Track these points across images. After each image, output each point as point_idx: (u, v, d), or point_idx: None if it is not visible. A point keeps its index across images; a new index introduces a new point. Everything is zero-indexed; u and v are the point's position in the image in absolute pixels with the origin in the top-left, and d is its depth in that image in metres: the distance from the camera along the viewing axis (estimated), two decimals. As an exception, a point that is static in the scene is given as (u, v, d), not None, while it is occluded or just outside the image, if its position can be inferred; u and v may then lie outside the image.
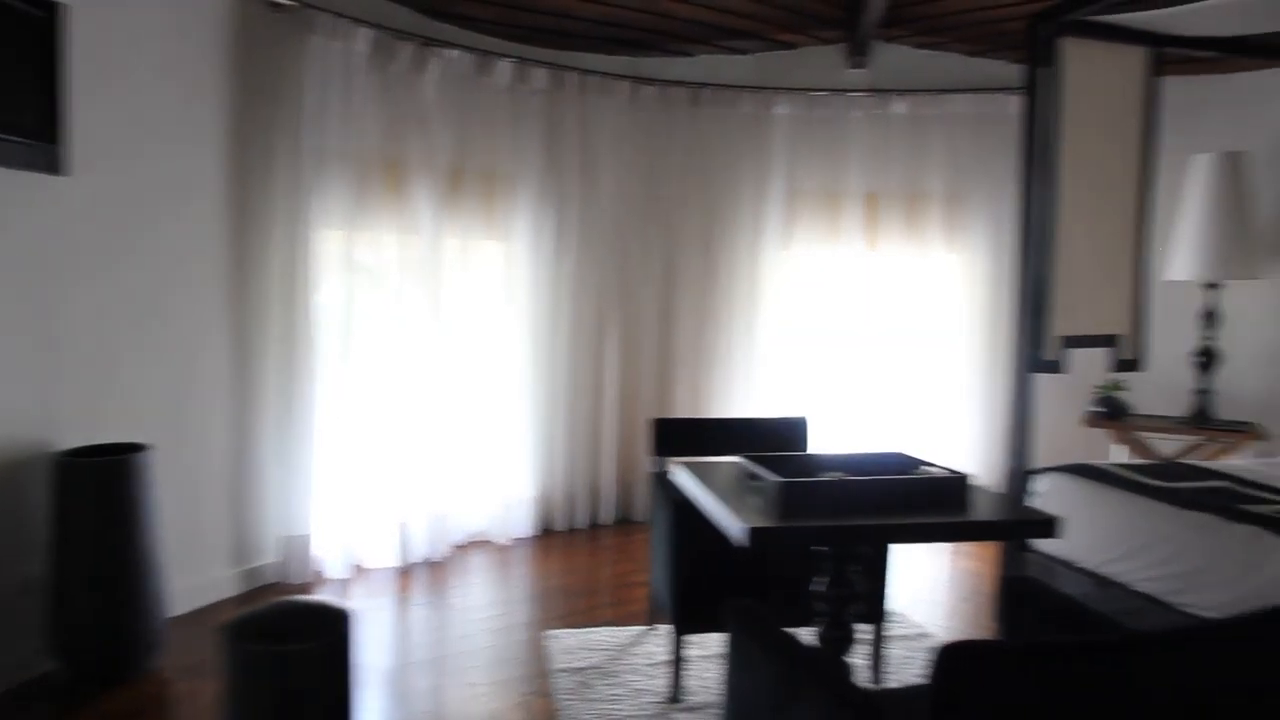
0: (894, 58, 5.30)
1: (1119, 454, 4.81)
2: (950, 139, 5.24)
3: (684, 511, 2.81)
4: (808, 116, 5.28)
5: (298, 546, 4.08)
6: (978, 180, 5.24)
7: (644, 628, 3.60)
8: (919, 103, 5.23)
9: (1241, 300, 4.85)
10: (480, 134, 4.68)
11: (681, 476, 2.65)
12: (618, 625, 3.66)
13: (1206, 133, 4.91)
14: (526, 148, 4.81)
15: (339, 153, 4.09)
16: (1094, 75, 3.56)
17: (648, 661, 3.29)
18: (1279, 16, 3.56)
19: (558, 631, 3.58)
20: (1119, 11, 3.56)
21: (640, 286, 5.20)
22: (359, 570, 4.30)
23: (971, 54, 5.25)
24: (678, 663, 3.00)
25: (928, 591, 4.20)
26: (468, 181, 4.66)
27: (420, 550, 4.46)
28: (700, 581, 2.95)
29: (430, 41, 4.40)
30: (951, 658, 1.18)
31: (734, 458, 2.63)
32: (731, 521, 2.06)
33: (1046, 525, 2.18)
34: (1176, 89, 4.78)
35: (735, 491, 2.34)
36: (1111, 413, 4.85)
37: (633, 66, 5.15)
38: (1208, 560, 2.82)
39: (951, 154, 5.25)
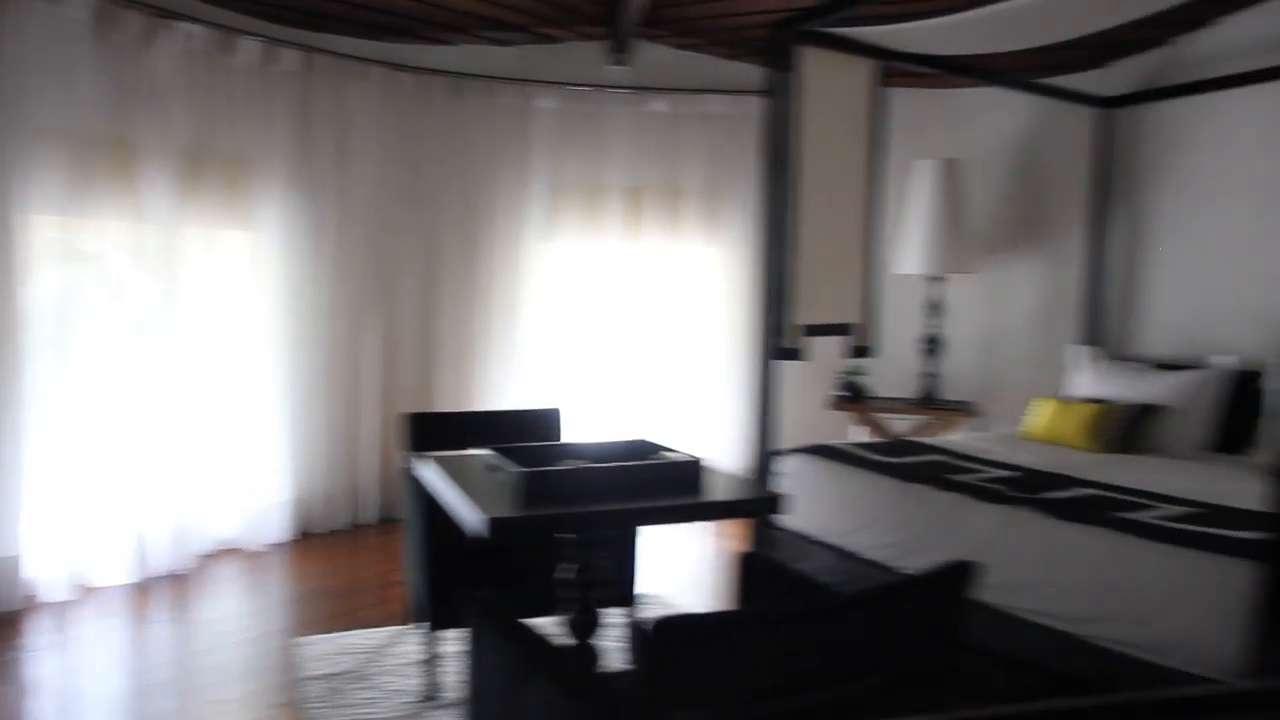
0: (654, 56, 5.45)
1: (860, 434, 5.20)
2: (707, 137, 5.46)
3: (434, 507, 2.77)
4: (570, 110, 5.33)
5: (4, 569, 3.66)
6: (732, 177, 5.50)
7: (402, 627, 3.52)
8: (677, 101, 5.42)
9: (960, 292, 5.39)
10: (224, 116, 4.39)
11: (426, 470, 2.60)
12: (376, 627, 3.56)
13: (930, 141, 5.40)
14: (276, 133, 4.56)
15: (54, 131, 3.71)
16: (829, 83, 3.83)
17: (403, 662, 3.22)
18: (982, 42, 3.97)
19: (311, 638, 3.43)
20: (852, 25, 3.84)
21: (400, 278, 5.07)
22: (86, 590, 3.92)
23: (726, 57, 5.50)
24: (432, 661, 2.96)
25: (683, 573, 4.37)
26: (209, 166, 4.36)
27: (161, 563, 4.13)
28: (452, 577, 2.91)
29: (162, 13, 4.07)
30: (658, 633, 1.23)
31: (483, 450, 2.62)
32: (470, 513, 2.05)
33: (773, 502, 2.32)
34: (905, 100, 5.25)
35: (480, 484, 2.33)
36: (852, 396, 5.24)
37: (390, 52, 5.00)
38: (923, 526, 3.12)
39: (708, 152, 5.48)
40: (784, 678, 1.46)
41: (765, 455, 3.79)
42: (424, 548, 2.93)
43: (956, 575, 1.59)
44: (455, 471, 2.46)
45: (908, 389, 5.35)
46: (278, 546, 4.64)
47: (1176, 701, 0.89)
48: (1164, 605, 2.43)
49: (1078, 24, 3.66)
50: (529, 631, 1.74)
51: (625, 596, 3.10)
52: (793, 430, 4.78)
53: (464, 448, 3.27)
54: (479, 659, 1.89)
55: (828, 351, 4.12)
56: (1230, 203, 4.38)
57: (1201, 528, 2.61)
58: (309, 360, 4.77)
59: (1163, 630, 2.41)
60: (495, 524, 1.96)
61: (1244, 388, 3.98)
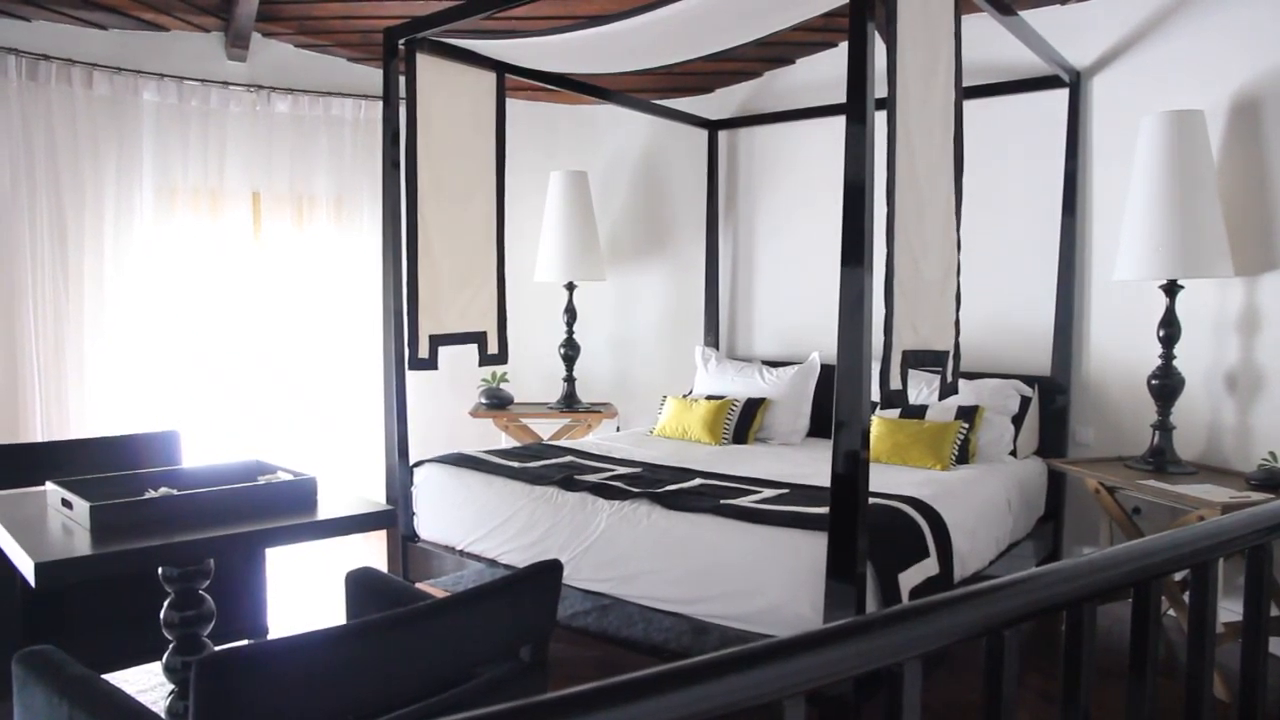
0: (276, 55, 5.13)
1: (508, 440, 5.25)
2: (335, 142, 5.23)
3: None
4: (182, 107, 4.86)
5: None
6: (361, 184, 5.30)
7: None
8: (302, 103, 5.14)
9: (593, 299, 5.64)
10: None
11: (-17, 513, 2.23)
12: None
13: (562, 152, 5.61)
14: None
15: None
16: (448, 92, 3.82)
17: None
18: (596, 62, 4.18)
19: None
20: (471, 37, 3.86)
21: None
22: None
23: (353, 59, 5.31)
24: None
25: (321, 598, 4.14)
26: None
27: None
28: (33, 632, 2.53)
29: None
30: (198, 674, 1.13)
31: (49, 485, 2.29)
32: (21, 558, 1.78)
33: (386, 516, 2.26)
34: (535, 112, 5.40)
35: (46, 524, 2.03)
36: (496, 403, 5.28)
37: (-58, 25, 4.26)
38: (550, 526, 3.20)
39: (336, 156, 5.24)
40: (371, 692, 1.42)
41: (400, 467, 3.72)
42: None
43: (545, 573, 1.64)
44: (12, 513, 2.13)
45: (552, 394, 5.50)
46: None
47: (743, 656, 0.96)
48: (758, 580, 2.69)
49: (670, 51, 3.95)
50: (89, 685, 1.54)
51: (255, 629, 2.89)
52: (440, 439, 4.73)
53: (49, 481, 2.86)
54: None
55: (474, 359, 4.11)
56: (811, 218, 4.98)
57: (788, 507, 2.92)
58: None
59: (759, 602, 2.67)
60: (44, 570, 1.71)
61: (831, 379, 4.52)
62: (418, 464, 3.78)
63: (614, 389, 5.75)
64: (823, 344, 4.76)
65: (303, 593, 4.16)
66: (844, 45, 4.78)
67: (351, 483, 4.85)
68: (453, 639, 1.54)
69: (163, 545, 1.87)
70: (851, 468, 2.42)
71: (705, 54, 4.01)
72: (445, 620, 1.47)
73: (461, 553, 3.54)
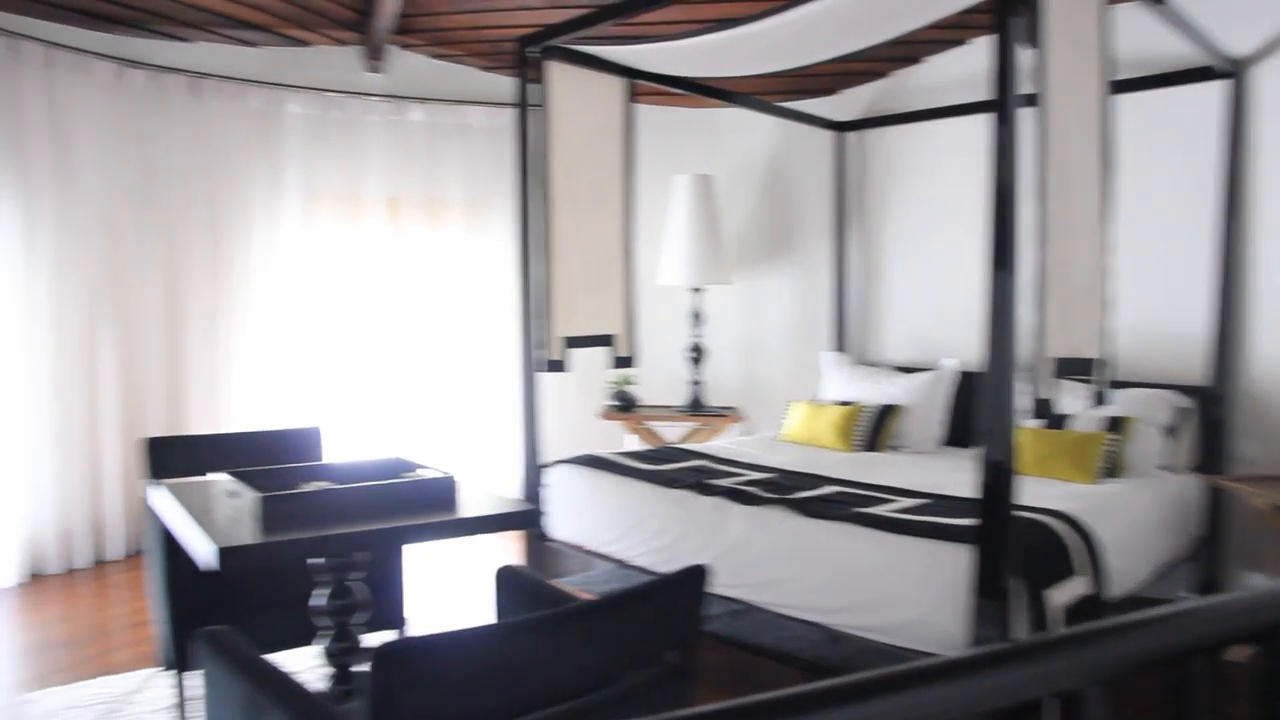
0: (411, 65, 5.32)
1: (634, 443, 5.29)
2: (467, 149, 5.39)
3: (173, 539, 2.54)
4: (324, 117, 5.10)
5: None
6: (493, 190, 5.44)
7: (153, 670, 3.22)
8: (436, 111, 5.31)
9: (719, 302, 5.63)
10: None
11: (160, 498, 2.38)
12: (127, 672, 3.24)
13: (687, 155, 5.62)
14: (-29, 129, 4.06)
15: None
16: (579, 98, 3.87)
17: (151, 709, 2.95)
18: (722, 66, 4.16)
19: (40, 692, 3.06)
20: (600, 44, 3.91)
21: (140, 290, 4.65)
22: None
23: (484, 68, 5.45)
24: (182, 705, 2.73)
25: (456, 592, 4.26)
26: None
27: None
28: (200, 612, 2.68)
29: None
30: (379, 660, 1.17)
31: (222, 475, 2.43)
32: (201, 543, 1.88)
33: (528, 517, 2.30)
34: (660, 116, 5.42)
35: (217, 511, 2.15)
36: (624, 405, 5.33)
37: (116, 46, 4.57)
38: (683, 529, 3.20)
39: (468, 163, 5.40)
40: (525, 690, 1.44)
41: (533, 468, 3.78)
42: (164, 583, 2.69)
43: (691, 579, 1.63)
44: (190, 499, 2.27)
45: (677, 397, 5.51)
46: (2, 592, 4.11)
47: (896, 677, 0.94)
48: (899, 592, 2.62)
49: (801, 53, 3.90)
50: (265, 665, 1.62)
51: (394, 620, 2.99)
52: (570, 441, 4.79)
53: (212, 472, 3.03)
54: (214, 699, 1.74)
55: (601, 363, 4.16)
56: (942, 219, 4.84)
57: (928, 517, 2.84)
58: (32, 380, 4.28)
59: (900, 615, 2.60)
60: (227, 554, 1.81)
61: (968, 386, 4.39)
62: (551, 465, 3.83)
63: (738, 393, 5.72)
64: (957, 349, 4.62)
65: (431, 586, 4.28)
66: (976, 42, 4.66)
67: (479, 481, 4.97)
68: (606, 640, 1.56)
69: (329, 536, 1.96)
70: (997, 479, 2.33)
71: (838, 55, 3.94)
72: (602, 620, 1.49)
73: (591, 553, 3.58)
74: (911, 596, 2.60)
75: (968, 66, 4.71)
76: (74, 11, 4.33)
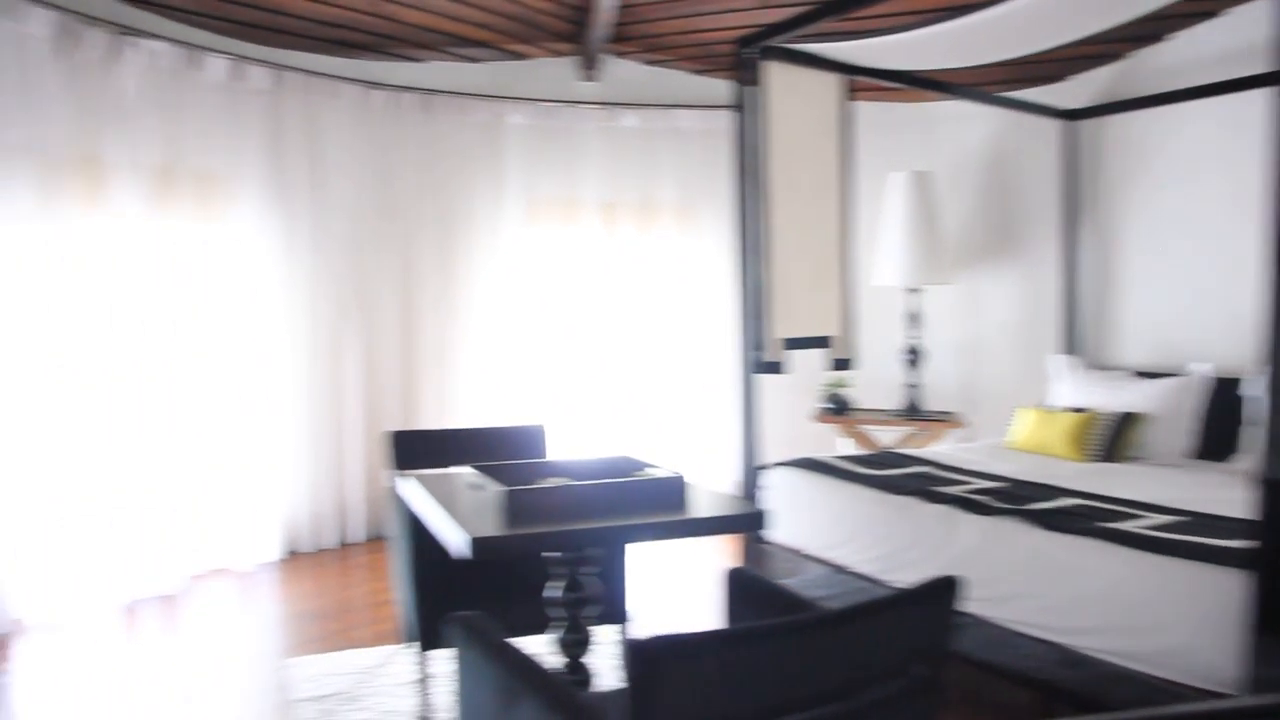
0: (624, 72, 5.44)
1: (846, 446, 5.18)
2: (680, 152, 5.46)
3: (419, 526, 2.71)
4: (542, 126, 5.31)
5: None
6: (707, 192, 5.48)
7: (396, 647, 3.46)
8: (649, 117, 5.41)
9: (938, 303, 5.40)
10: (193, 133, 4.34)
11: (408, 489, 2.54)
12: (368, 647, 3.51)
13: (902, 152, 5.43)
14: (247, 150, 4.52)
15: (20, 148, 3.65)
16: (796, 97, 3.82)
17: (396, 682, 3.17)
18: (944, 57, 3.99)
19: (302, 659, 3.37)
20: (816, 41, 3.85)
21: (379, 294, 5.03)
22: (73, 614, 3.80)
23: (695, 72, 5.50)
24: (425, 681, 2.91)
25: (673, 590, 4.31)
26: (179, 182, 4.30)
27: (149, 585, 4.07)
28: (440, 596, 2.85)
29: (125, 30, 4.01)
30: (641, 652, 1.19)
31: (465, 468, 2.57)
32: (454, 533, 1.99)
33: (757, 519, 2.28)
34: (875, 113, 5.26)
35: (462, 503, 2.27)
36: (837, 408, 5.23)
37: (360, 69, 4.96)
38: (910, 538, 3.09)
39: (682, 166, 5.47)
40: (771, 695, 1.42)
41: (751, 469, 3.76)
42: (411, 568, 2.87)
43: (942, 590, 1.56)
44: (438, 490, 2.41)
45: (892, 400, 5.34)
46: (266, 566, 4.58)
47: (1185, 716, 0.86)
48: (1155, 616, 2.41)
49: (1035, 39, 3.67)
50: (516, 651, 1.69)
51: (616, 614, 3.06)
52: (781, 443, 4.75)
53: (447, 465, 3.22)
54: (467, 680, 1.84)
55: (812, 364, 4.10)
56: (1195, 211, 4.42)
57: (1188, 536, 2.59)
58: (289, 377, 4.73)
59: (1155, 641, 2.39)
60: (479, 544, 1.91)
61: (1223, 394, 3.99)
62: (767, 466, 3.80)
63: (956, 397, 5.47)
64: (1210, 353, 4.21)
65: (649, 583, 4.34)
66: (1233, 12, 4.22)
67: (697, 481, 5.03)
68: (853, 649, 1.51)
69: (569, 531, 2.03)
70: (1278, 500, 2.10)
71: (1074, 39, 3.69)
72: (852, 629, 1.45)
73: (808, 557, 3.52)
74: (1169, 622, 2.38)
75: (1223, 41, 4.28)
76: (329, 42, 4.73)
